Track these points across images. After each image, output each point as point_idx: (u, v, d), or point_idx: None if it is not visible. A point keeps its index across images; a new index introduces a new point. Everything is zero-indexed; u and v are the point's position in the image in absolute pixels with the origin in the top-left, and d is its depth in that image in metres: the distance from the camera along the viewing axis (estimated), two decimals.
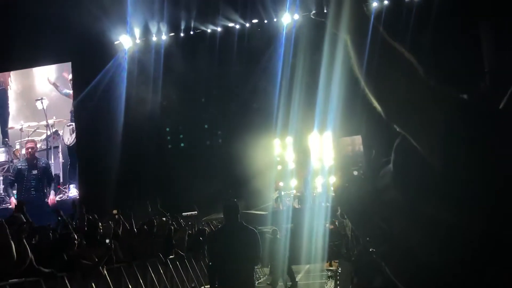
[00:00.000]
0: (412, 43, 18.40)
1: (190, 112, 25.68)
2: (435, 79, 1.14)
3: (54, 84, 25.44)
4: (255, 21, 24.90)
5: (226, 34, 25.23)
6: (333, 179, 20.84)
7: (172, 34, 25.60)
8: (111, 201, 20.45)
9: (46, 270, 6.35)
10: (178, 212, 16.38)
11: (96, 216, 9.10)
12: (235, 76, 25.00)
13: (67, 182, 24.37)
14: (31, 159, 24.09)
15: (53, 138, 24.42)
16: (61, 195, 24.12)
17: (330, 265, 12.75)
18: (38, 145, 24.41)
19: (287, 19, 24.17)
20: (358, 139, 24.79)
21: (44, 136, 24.50)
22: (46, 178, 24.18)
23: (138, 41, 25.85)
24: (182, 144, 26.10)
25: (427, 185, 1.13)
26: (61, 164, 24.32)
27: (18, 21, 22.95)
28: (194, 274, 11.65)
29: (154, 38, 25.66)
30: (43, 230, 7.87)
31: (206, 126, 26.51)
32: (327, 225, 15.27)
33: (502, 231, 1.08)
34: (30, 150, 24.19)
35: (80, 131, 25.30)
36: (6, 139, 24.82)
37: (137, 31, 25.53)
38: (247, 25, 25.02)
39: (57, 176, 24.27)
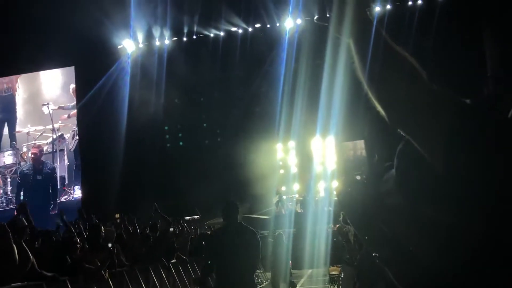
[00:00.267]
0: (414, 47, 18.40)
1: (193, 116, 25.73)
2: (437, 83, 1.14)
3: (60, 108, 25.98)
4: (257, 25, 24.96)
5: (228, 38, 25.29)
6: (335, 184, 20.81)
7: (175, 38, 25.67)
8: (114, 203, 20.49)
9: (49, 274, 6.35)
10: (181, 215, 16.37)
11: (97, 220, 9.10)
12: (238, 80, 25.04)
13: (72, 183, 25.13)
14: (37, 164, 24.94)
15: (59, 141, 25.30)
16: (66, 196, 24.88)
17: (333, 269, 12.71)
18: (45, 148, 25.25)
19: (290, 23, 24.22)
20: (360, 143, 24.74)
21: (50, 140, 25.37)
22: (50, 184, 24.93)
23: (141, 45, 25.94)
24: (180, 142, 26.18)
25: (430, 189, 1.13)
26: (66, 167, 25.16)
27: (22, 25, 23.06)
28: None
29: (157, 43, 25.74)
30: (46, 234, 7.88)
31: (208, 130, 26.54)
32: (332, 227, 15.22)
33: (504, 234, 1.07)
34: (33, 155, 25.04)
35: (83, 135, 25.54)
36: (14, 143, 25.69)
37: (140, 36, 25.63)
38: (250, 29, 25.08)
39: (63, 177, 25.11)
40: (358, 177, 1.47)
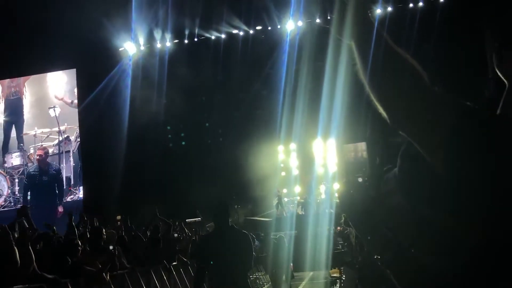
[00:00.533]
0: (416, 49, 18.40)
1: (194, 118, 25.76)
2: (438, 84, 1.14)
3: (62, 99, 26.78)
4: (259, 27, 24.98)
5: (230, 40, 25.32)
6: (337, 186, 20.83)
7: (176, 40, 25.72)
8: (115, 205, 20.50)
9: (50, 276, 6.35)
10: (182, 217, 16.37)
11: (98, 223, 9.10)
12: (239, 83, 25.06)
13: (77, 184, 25.98)
14: (42, 165, 25.83)
15: (65, 143, 26.19)
16: (72, 196, 25.76)
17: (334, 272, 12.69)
18: (51, 150, 26.19)
19: (291, 25, 24.24)
20: (360, 145, 24.75)
21: (56, 142, 26.27)
22: (56, 185, 25.84)
23: (142, 47, 25.99)
24: (183, 142, 26.36)
25: (432, 190, 1.13)
26: (72, 167, 26.05)
27: (23, 28, 23.13)
28: None
29: (159, 45, 25.79)
30: (47, 236, 7.87)
31: (210, 132, 26.56)
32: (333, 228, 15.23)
33: (504, 235, 1.07)
34: (39, 157, 25.91)
35: (85, 137, 25.75)
36: (21, 144, 26.62)
37: (142, 38, 25.68)
38: (251, 31, 25.10)
39: (68, 178, 26.06)
40: (360, 179, 1.47)
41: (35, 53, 23.70)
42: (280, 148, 24.37)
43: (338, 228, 14.75)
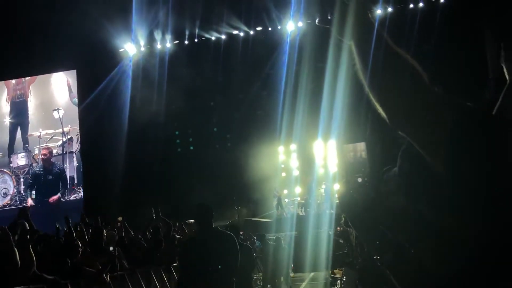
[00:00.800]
0: (416, 50, 18.40)
1: (194, 119, 25.77)
2: (438, 85, 1.14)
3: (69, 87, 27.39)
4: (259, 28, 24.99)
5: (230, 41, 25.33)
6: (337, 186, 20.81)
7: (177, 41, 25.73)
8: (115, 206, 20.49)
9: (50, 277, 6.34)
10: (182, 218, 16.36)
11: (99, 223, 9.09)
12: (239, 83, 25.06)
13: (80, 183, 26.82)
14: (47, 164, 26.72)
15: (68, 144, 27.02)
16: (75, 195, 26.64)
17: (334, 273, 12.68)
18: (55, 150, 27.08)
19: (291, 26, 24.25)
20: (360, 146, 24.74)
21: (60, 142, 27.12)
22: (60, 183, 26.75)
23: (142, 48, 26.01)
24: (191, 148, 26.58)
25: (431, 190, 1.13)
26: (75, 167, 26.92)
27: (23, 29, 23.17)
28: None
29: (159, 46, 25.80)
30: (47, 237, 7.87)
31: (210, 133, 26.57)
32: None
33: (504, 236, 1.07)
34: (43, 156, 26.76)
35: (85, 137, 25.90)
36: (26, 145, 27.56)
37: (142, 39, 25.70)
38: (251, 32, 25.11)
39: (72, 177, 26.96)
40: (359, 179, 1.47)
41: (36, 54, 23.78)
42: (281, 149, 24.36)
43: (338, 228, 14.73)
